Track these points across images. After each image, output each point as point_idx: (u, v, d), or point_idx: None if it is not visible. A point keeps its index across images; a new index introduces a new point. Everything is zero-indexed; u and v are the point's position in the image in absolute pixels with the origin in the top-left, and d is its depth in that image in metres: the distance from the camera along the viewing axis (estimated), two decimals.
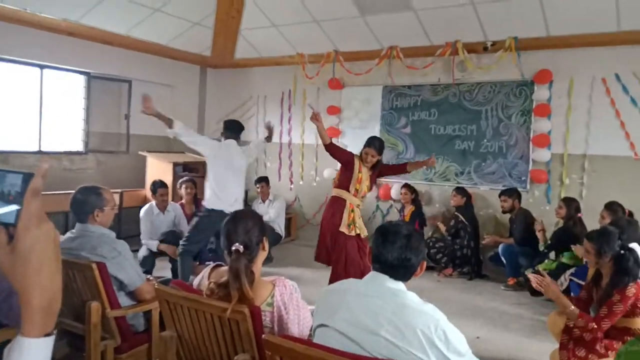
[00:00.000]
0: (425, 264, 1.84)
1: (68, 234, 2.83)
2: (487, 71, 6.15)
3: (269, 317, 2.04)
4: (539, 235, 5.48)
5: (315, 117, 4.70)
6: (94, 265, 2.51)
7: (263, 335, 1.69)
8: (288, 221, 7.67)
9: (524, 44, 5.75)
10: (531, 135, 6.11)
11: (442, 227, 6.28)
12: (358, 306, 1.69)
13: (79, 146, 7.07)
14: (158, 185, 5.39)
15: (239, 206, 5.00)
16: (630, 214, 4.62)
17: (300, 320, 2.05)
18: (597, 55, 5.67)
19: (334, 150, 4.84)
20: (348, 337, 1.66)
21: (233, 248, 2.01)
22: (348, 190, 4.79)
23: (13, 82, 6.32)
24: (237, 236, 2.03)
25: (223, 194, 4.87)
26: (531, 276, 3.21)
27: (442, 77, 6.59)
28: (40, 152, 6.54)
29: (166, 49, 7.10)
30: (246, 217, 2.11)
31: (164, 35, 6.74)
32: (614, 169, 5.67)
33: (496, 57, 5.91)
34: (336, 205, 4.80)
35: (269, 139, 5.46)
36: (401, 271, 1.75)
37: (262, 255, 2.13)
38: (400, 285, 1.74)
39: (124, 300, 2.76)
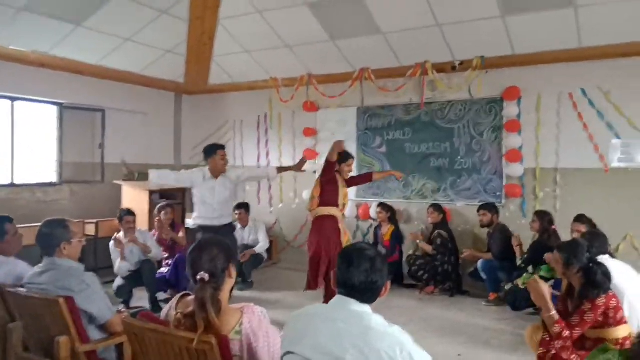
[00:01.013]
0: (389, 284, 1.84)
1: (35, 269, 2.77)
2: (456, 90, 6.27)
3: (238, 346, 2.01)
4: (516, 249, 5.54)
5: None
6: (61, 300, 2.46)
7: None
8: (270, 244, 7.63)
9: (491, 62, 5.89)
10: (503, 151, 6.21)
11: (427, 247, 6.22)
12: (324, 331, 1.69)
13: (52, 177, 6.98)
14: (124, 214, 5.34)
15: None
16: (594, 226, 4.69)
17: (270, 347, 2.02)
18: (563, 72, 5.83)
19: (330, 166, 4.87)
20: None
21: (198, 277, 1.99)
22: (337, 206, 4.81)
23: None
24: (201, 265, 2.01)
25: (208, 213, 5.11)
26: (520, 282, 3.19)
27: (414, 97, 6.69)
28: (13, 185, 6.44)
29: (139, 77, 7.10)
30: (211, 245, 2.09)
31: (137, 63, 6.75)
32: (585, 181, 5.78)
33: (465, 76, 6.03)
34: (329, 224, 4.79)
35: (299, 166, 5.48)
36: (367, 294, 1.76)
37: (229, 283, 2.11)
38: (365, 308, 1.74)
39: (94, 334, 2.70)
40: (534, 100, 6.01)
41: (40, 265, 2.76)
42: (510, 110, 6.11)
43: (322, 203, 4.89)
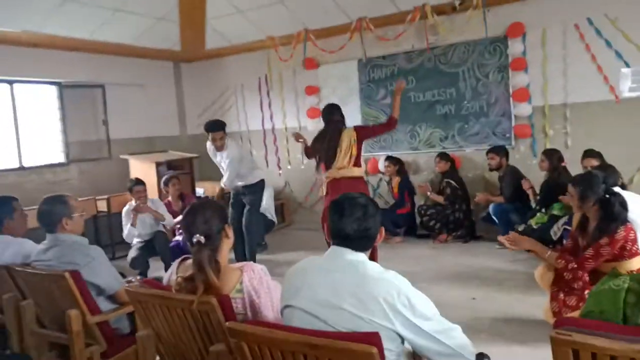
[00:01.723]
0: (383, 229, 1.81)
1: (40, 246, 2.79)
2: (459, 32, 6.05)
3: (241, 304, 2.01)
4: (529, 192, 5.45)
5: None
6: (67, 274, 2.48)
7: (227, 323, 1.66)
8: (280, 207, 7.65)
9: None
10: (510, 91, 6.04)
11: (438, 198, 6.17)
12: (320, 283, 1.67)
13: (60, 157, 7.01)
14: (133, 184, 5.34)
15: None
16: (603, 159, 4.58)
17: (273, 303, 2.02)
18: (567, 1, 5.58)
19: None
20: (313, 314, 1.64)
21: (194, 240, 1.98)
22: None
23: None
24: (196, 227, 1.99)
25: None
26: (501, 239, 3.17)
27: (416, 44, 6.50)
28: (22, 168, 6.49)
29: (134, 48, 6.99)
30: (204, 207, 2.07)
31: (129, 34, 6.62)
32: (596, 115, 5.61)
33: (466, 16, 5.81)
34: (363, 187, 4.76)
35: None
36: (362, 242, 1.72)
37: (226, 244, 2.10)
38: (360, 256, 1.71)
39: (105, 305, 2.73)
40: (539, 35, 5.78)
41: (45, 242, 2.77)
42: (515, 47, 5.90)
43: (357, 163, 4.74)
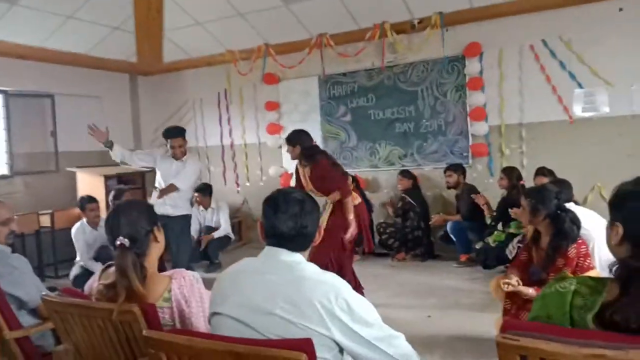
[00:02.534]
0: (322, 229, 1.67)
1: None
2: (417, 51, 6.09)
3: (168, 313, 1.83)
4: (483, 208, 5.45)
5: None
6: None
7: (144, 332, 1.48)
8: (238, 225, 7.44)
9: (450, 18, 5.72)
10: (468, 110, 6.08)
11: (390, 210, 6.20)
12: (251, 287, 1.51)
13: (3, 169, 6.62)
14: (86, 201, 5.09)
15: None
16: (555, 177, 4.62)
17: (205, 312, 1.85)
18: (523, 23, 5.68)
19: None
20: (241, 322, 1.48)
21: (117, 242, 1.80)
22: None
23: None
24: (120, 229, 1.82)
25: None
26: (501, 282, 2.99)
27: (375, 61, 6.49)
28: None
29: (87, 58, 6.74)
30: (130, 207, 1.90)
31: (83, 43, 6.39)
32: (551, 135, 5.69)
33: (424, 35, 5.85)
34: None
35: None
36: (298, 241, 1.58)
37: (155, 248, 1.92)
38: (296, 256, 1.57)
39: (27, 319, 2.49)
40: (496, 55, 5.87)
41: None
42: (472, 67, 5.96)
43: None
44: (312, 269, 1.53)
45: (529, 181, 5.20)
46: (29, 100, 6.86)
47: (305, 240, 1.60)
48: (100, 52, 6.71)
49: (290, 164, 7.28)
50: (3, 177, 6.58)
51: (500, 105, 5.91)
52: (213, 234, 6.31)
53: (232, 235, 6.60)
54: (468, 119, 6.08)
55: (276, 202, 1.60)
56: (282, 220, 1.56)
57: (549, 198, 2.96)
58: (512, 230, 5.05)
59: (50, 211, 6.17)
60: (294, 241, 1.57)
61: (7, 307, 2.36)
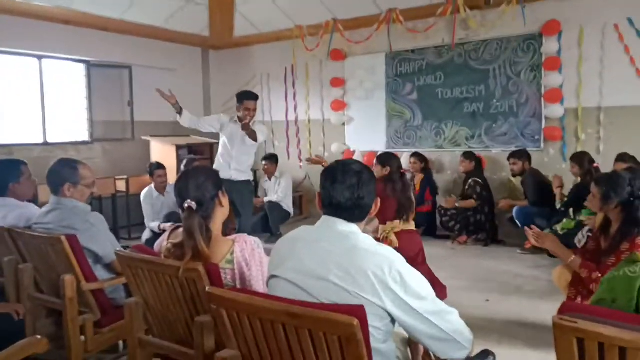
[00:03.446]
0: (379, 200, 1.68)
1: (43, 209, 2.76)
2: (491, 28, 5.85)
3: (230, 275, 1.92)
4: (556, 192, 5.21)
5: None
6: (63, 238, 2.43)
7: (207, 288, 1.56)
8: (299, 199, 7.57)
9: None
10: (542, 91, 5.82)
11: (469, 203, 5.82)
12: (307, 253, 1.55)
13: (84, 136, 7.07)
14: (154, 167, 5.33)
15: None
16: (638, 164, 4.33)
17: (264, 276, 1.93)
18: (607, 0, 5.32)
19: None
20: (297, 285, 1.53)
21: (185, 205, 1.90)
22: None
23: (12, 74, 6.33)
24: (188, 192, 1.91)
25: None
26: (528, 232, 2.99)
27: (446, 38, 6.32)
28: (46, 144, 6.57)
29: (163, 31, 6.99)
30: (197, 172, 2.00)
31: (158, 15, 6.63)
32: (631, 120, 5.35)
33: (500, 11, 5.61)
34: None
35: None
36: (355, 212, 1.60)
37: (220, 212, 2.01)
38: (352, 227, 1.59)
39: (102, 273, 2.68)
40: (576, 34, 5.54)
41: (47, 205, 2.73)
42: (549, 46, 5.68)
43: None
44: (368, 240, 1.55)
45: (604, 168, 4.92)
46: (108, 70, 7.25)
47: (362, 212, 1.62)
48: (175, 25, 6.93)
49: (353, 142, 7.31)
50: (84, 143, 7.03)
51: (578, 87, 5.60)
52: (264, 199, 6.52)
53: (290, 209, 6.71)
54: (542, 100, 5.82)
55: (334, 172, 1.61)
56: (340, 191, 1.58)
57: (622, 185, 2.80)
58: (582, 218, 4.82)
59: (125, 177, 6.54)
60: (350, 212, 1.59)
61: (84, 261, 2.55)
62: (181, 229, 2.01)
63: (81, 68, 6.97)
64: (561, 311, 1.25)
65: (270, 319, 1.42)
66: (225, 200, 2.03)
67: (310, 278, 1.50)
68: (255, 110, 5.00)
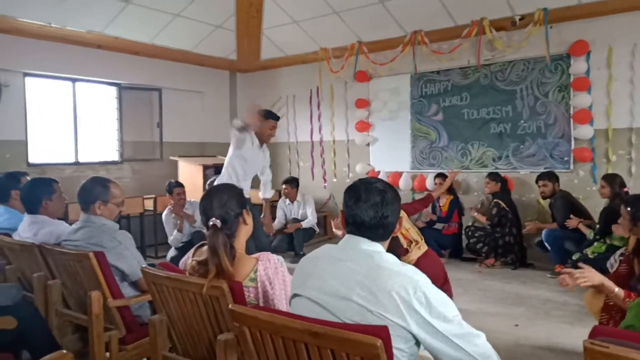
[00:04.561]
0: (402, 220, 1.66)
1: (73, 226, 2.82)
2: (517, 49, 5.82)
3: (253, 293, 1.92)
4: (581, 228, 5.06)
5: None
6: (91, 254, 2.47)
7: (230, 305, 1.57)
8: (323, 219, 7.56)
9: (555, 15, 5.40)
10: (571, 112, 5.73)
11: (482, 218, 5.91)
12: (330, 272, 1.54)
13: (114, 156, 7.25)
14: (173, 185, 5.44)
15: None
16: None
17: (287, 294, 1.92)
18: (636, 20, 5.25)
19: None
20: (319, 304, 1.52)
21: (210, 223, 1.92)
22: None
23: (47, 97, 6.56)
24: (212, 210, 1.94)
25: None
26: (567, 271, 2.87)
27: (471, 59, 6.31)
28: (77, 163, 6.75)
29: (192, 55, 7.17)
30: (222, 190, 2.02)
31: (188, 40, 6.81)
32: None
33: (526, 32, 5.58)
34: None
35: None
36: (378, 231, 1.58)
37: (244, 230, 2.03)
38: (377, 246, 1.57)
39: (128, 291, 2.71)
40: (605, 54, 5.47)
41: (77, 222, 2.79)
42: (578, 66, 5.60)
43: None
44: (392, 259, 1.53)
45: (637, 190, 4.80)
46: (139, 93, 7.45)
47: (386, 231, 1.60)
48: (204, 49, 7.10)
49: (377, 162, 7.30)
50: (114, 163, 7.21)
51: (607, 108, 5.50)
52: (301, 223, 6.46)
53: (316, 228, 6.73)
54: (571, 121, 5.72)
55: (358, 191, 1.61)
56: (363, 210, 1.57)
57: None
58: (615, 242, 4.68)
59: (153, 196, 6.65)
60: (374, 230, 1.58)
61: (111, 277, 2.59)
62: (206, 247, 2.03)
63: (113, 90, 7.18)
64: (592, 335, 1.21)
65: (292, 337, 1.41)
66: (249, 219, 2.04)
67: (332, 297, 1.49)
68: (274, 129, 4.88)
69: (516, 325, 3.88)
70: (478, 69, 6.30)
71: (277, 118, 4.89)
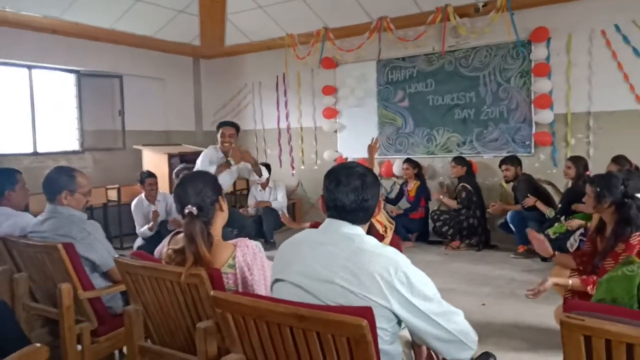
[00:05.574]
0: (382, 203, 1.69)
1: (39, 217, 2.73)
2: (480, 35, 5.93)
3: (232, 279, 1.92)
4: (539, 206, 5.26)
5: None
6: (60, 246, 2.40)
7: (212, 292, 1.56)
8: (292, 207, 7.56)
9: (517, 2, 5.52)
10: (532, 97, 5.89)
11: (451, 202, 6.02)
12: (312, 256, 1.55)
13: (74, 145, 7.02)
14: (145, 176, 5.33)
15: None
16: (637, 168, 4.39)
17: (266, 280, 1.93)
18: (594, 7, 5.43)
19: None
20: (302, 288, 1.53)
21: (186, 211, 1.89)
22: None
23: (2, 84, 6.27)
24: (188, 198, 1.91)
25: None
26: (533, 236, 2.99)
27: (436, 46, 6.38)
28: (36, 154, 6.51)
29: (154, 40, 6.99)
30: (196, 177, 2.00)
31: (150, 26, 6.63)
32: (620, 125, 5.42)
33: (489, 18, 5.68)
34: None
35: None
36: (359, 214, 1.60)
37: (220, 217, 2.01)
38: (357, 229, 1.59)
39: (99, 282, 2.65)
40: (564, 41, 5.63)
41: (43, 213, 2.71)
42: (538, 52, 5.76)
43: None
44: (372, 242, 1.55)
45: (595, 172, 4.97)
46: (99, 80, 7.22)
47: (366, 214, 1.62)
48: (166, 35, 6.93)
49: (345, 149, 7.33)
50: (74, 152, 6.99)
51: (567, 93, 5.68)
52: (270, 201, 6.46)
53: (286, 213, 6.71)
54: (532, 106, 5.89)
55: (338, 175, 1.62)
56: (344, 193, 1.59)
57: (615, 185, 2.84)
58: (576, 219, 4.86)
59: (117, 186, 6.50)
60: (354, 214, 1.59)
61: (81, 269, 2.53)
62: (181, 235, 2.00)
63: (71, 78, 6.94)
64: (567, 309, 1.26)
65: (277, 322, 1.41)
66: (225, 205, 2.03)
67: (315, 281, 1.50)
68: (231, 136, 4.89)
69: (483, 304, 3.99)
70: (442, 56, 6.38)
71: (220, 125, 4.96)
